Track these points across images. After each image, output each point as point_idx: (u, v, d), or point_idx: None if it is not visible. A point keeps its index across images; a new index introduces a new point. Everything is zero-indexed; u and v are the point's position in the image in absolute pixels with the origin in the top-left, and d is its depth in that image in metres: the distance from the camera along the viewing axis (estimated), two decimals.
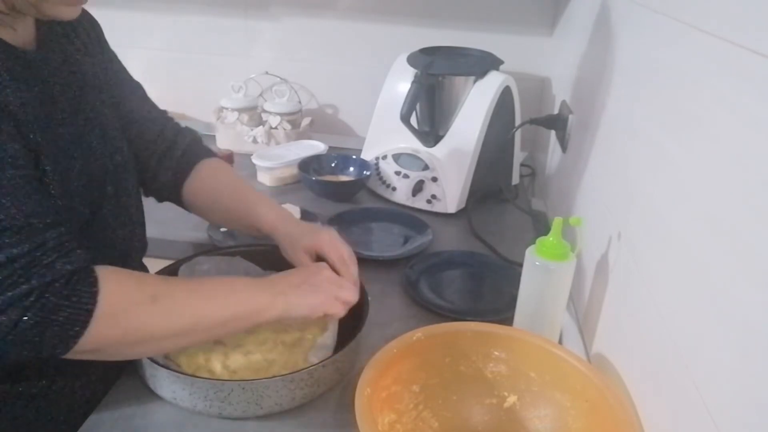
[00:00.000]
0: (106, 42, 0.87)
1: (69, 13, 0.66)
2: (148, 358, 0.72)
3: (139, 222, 0.88)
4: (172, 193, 0.94)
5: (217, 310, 0.69)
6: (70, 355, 0.61)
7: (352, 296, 0.77)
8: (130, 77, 0.91)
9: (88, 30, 0.82)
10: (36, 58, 0.69)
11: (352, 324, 0.80)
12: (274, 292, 0.73)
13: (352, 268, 0.84)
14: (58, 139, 0.69)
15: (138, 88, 0.92)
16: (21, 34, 0.68)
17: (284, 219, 0.90)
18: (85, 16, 0.84)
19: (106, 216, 0.78)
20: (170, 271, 0.88)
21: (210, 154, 0.97)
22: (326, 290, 0.75)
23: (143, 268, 0.93)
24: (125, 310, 0.63)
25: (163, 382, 0.72)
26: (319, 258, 0.85)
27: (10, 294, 0.56)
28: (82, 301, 0.59)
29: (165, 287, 0.67)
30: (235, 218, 0.93)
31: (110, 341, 0.63)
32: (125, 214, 0.83)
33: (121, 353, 0.66)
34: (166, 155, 0.92)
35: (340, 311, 0.76)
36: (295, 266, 0.85)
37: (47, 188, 0.66)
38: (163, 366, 0.71)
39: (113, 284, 0.63)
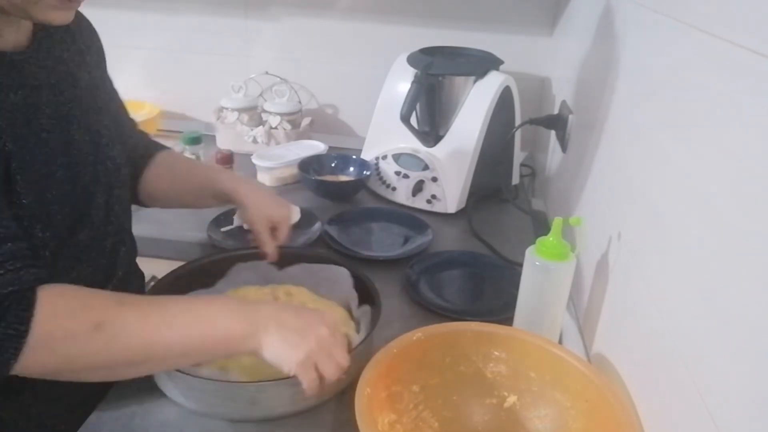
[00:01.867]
0: (102, 51, 0.87)
1: (60, 18, 0.64)
2: None
3: (127, 230, 0.87)
4: (132, 190, 0.93)
5: (175, 341, 0.62)
6: (16, 374, 0.58)
7: (332, 373, 0.65)
8: (114, 90, 0.91)
9: (85, 37, 0.81)
10: (22, 61, 0.67)
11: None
12: (252, 325, 0.64)
13: (277, 240, 0.91)
14: (39, 145, 0.67)
15: (118, 100, 0.92)
16: (12, 36, 0.66)
17: (245, 182, 0.93)
18: (84, 23, 0.83)
19: (95, 224, 0.76)
20: (178, 275, 0.88)
21: (163, 148, 0.99)
22: (307, 352, 0.64)
23: (138, 274, 0.93)
24: (63, 338, 0.58)
25: (167, 384, 0.72)
26: (272, 229, 0.91)
27: None
28: (11, 326, 0.55)
29: (115, 311, 0.60)
30: (196, 189, 0.94)
31: (49, 368, 0.59)
32: (116, 223, 0.81)
33: (71, 377, 0.62)
34: (129, 163, 0.91)
35: (309, 382, 0.65)
36: (252, 228, 0.91)
37: (17, 196, 0.63)
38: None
39: (52, 309, 0.58)
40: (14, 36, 0.67)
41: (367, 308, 0.84)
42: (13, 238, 0.59)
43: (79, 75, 0.77)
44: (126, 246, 0.85)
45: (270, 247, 0.91)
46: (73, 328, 0.58)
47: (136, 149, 0.94)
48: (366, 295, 0.86)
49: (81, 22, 0.82)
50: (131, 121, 0.96)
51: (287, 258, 0.93)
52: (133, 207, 0.91)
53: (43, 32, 0.72)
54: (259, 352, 0.64)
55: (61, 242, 0.70)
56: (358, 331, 0.81)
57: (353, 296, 0.88)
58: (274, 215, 0.91)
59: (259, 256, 0.92)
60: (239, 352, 0.65)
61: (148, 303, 0.64)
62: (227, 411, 0.71)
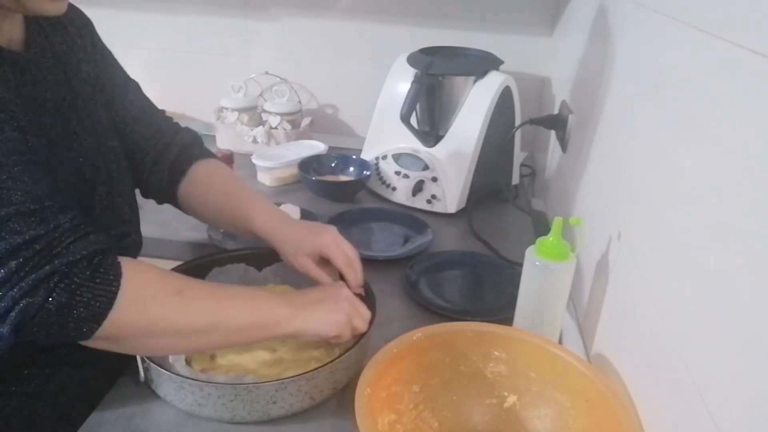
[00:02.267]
0: (99, 40, 0.85)
1: (53, 9, 0.64)
2: (155, 363, 0.70)
3: (132, 222, 0.87)
4: (167, 194, 0.92)
5: (238, 314, 0.68)
6: (91, 342, 0.60)
7: (363, 325, 0.76)
8: (126, 75, 0.89)
9: (79, 28, 0.81)
10: (22, 58, 0.68)
11: None
12: (293, 306, 0.71)
13: (358, 269, 0.83)
14: (44, 139, 0.68)
15: (133, 86, 0.90)
16: (6, 33, 0.67)
17: (280, 222, 0.86)
18: (77, 13, 0.82)
19: (98, 216, 0.77)
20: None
21: (207, 154, 0.94)
22: (345, 312, 0.73)
23: None
24: (150, 297, 0.63)
25: (166, 388, 0.72)
26: (323, 261, 0.83)
27: (33, 275, 0.56)
28: (106, 282, 0.59)
29: (187, 283, 0.67)
30: (229, 220, 0.89)
31: (133, 328, 0.62)
32: (118, 214, 0.81)
33: (140, 345, 0.66)
34: (161, 156, 0.89)
35: (349, 337, 0.75)
36: (298, 271, 0.83)
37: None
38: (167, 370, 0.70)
39: (137, 271, 0.62)
40: (10, 31, 0.67)
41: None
42: (73, 206, 0.62)
43: (77, 67, 0.77)
44: (131, 237, 0.86)
45: (325, 278, 0.83)
46: (158, 290, 0.64)
47: (170, 144, 0.90)
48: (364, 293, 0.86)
49: (74, 14, 0.81)
50: (153, 108, 0.92)
51: (265, 258, 0.92)
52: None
53: (36, 27, 0.72)
54: (304, 331, 0.71)
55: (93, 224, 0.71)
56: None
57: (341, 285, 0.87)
58: (309, 249, 0.83)
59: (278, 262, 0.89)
60: (283, 335, 0.71)
61: (210, 283, 0.76)
62: (246, 413, 0.70)
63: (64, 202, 0.61)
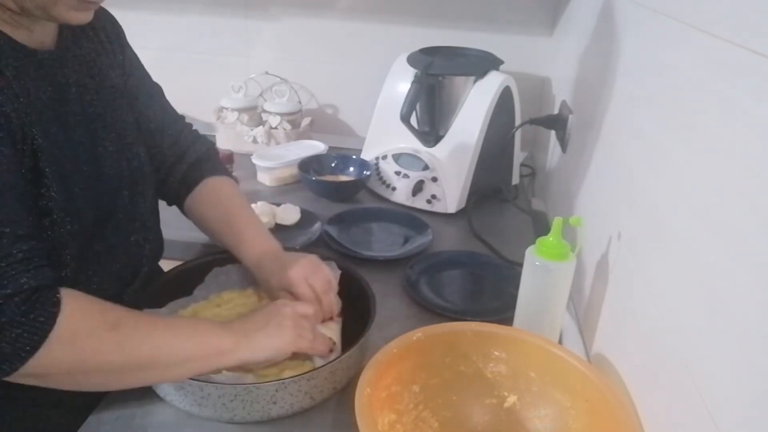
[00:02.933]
0: (127, 44, 0.87)
1: (79, 18, 0.66)
2: None
3: (153, 226, 0.88)
4: (176, 202, 0.94)
5: (178, 348, 0.66)
6: (16, 379, 0.58)
7: (312, 334, 0.74)
8: (151, 80, 0.91)
9: (108, 31, 0.82)
10: (50, 59, 0.69)
11: (359, 322, 0.80)
12: (237, 336, 0.70)
13: (327, 302, 0.80)
14: (67, 142, 0.69)
15: (157, 91, 0.92)
16: (39, 34, 0.68)
17: (261, 257, 0.84)
18: (107, 16, 0.84)
19: (120, 220, 0.78)
20: (179, 272, 0.88)
21: (217, 170, 0.94)
22: (290, 330, 0.72)
23: (158, 271, 0.93)
24: (85, 334, 0.60)
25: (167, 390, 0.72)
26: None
27: None
28: (38, 320, 0.56)
29: (127, 316, 0.65)
30: (223, 244, 0.90)
31: (62, 366, 0.60)
32: (140, 218, 0.82)
33: (70, 381, 0.63)
34: (175, 166, 0.91)
35: (310, 346, 0.74)
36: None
37: (47, 189, 0.65)
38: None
39: (75, 307, 0.60)
40: (41, 35, 0.69)
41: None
42: (36, 236, 0.61)
43: (105, 73, 0.78)
44: (150, 244, 0.86)
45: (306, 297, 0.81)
46: (93, 326, 0.61)
47: (184, 154, 0.92)
48: (361, 292, 0.86)
49: (105, 20, 0.83)
50: (175, 115, 0.93)
51: None
52: None
53: (68, 32, 0.73)
54: (252, 359, 0.70)
55: (89, 237, 0.71)
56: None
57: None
58: (281, 285, 0.81)
59: None
60: (230, 364, 0.70)
61: (154, 316, 0.72)
62: (246, 413, 0.70)
63: (27, 231, 0.59)
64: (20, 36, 0.66)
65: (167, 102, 0.93)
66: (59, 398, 0.75)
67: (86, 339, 0.60)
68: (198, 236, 1.14)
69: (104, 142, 0.76)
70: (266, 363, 0.73)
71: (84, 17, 0.66)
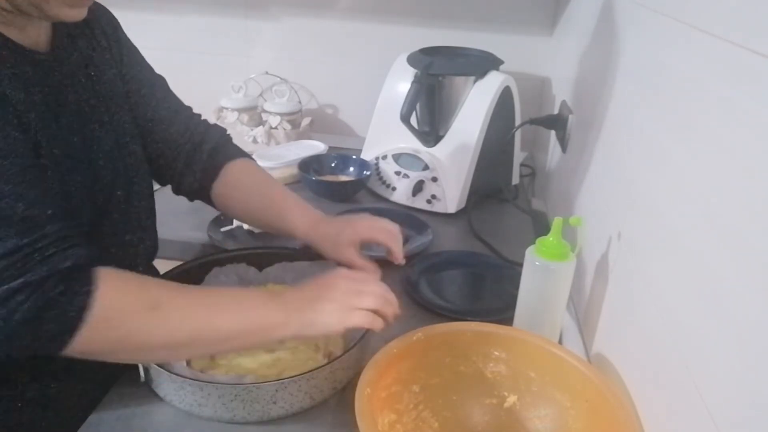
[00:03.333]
0: (126, 39, 0.86)
1: (72, 15, 0.65)
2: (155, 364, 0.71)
3: (149, 226, 0.87)
4: (200, 194, 0.93)
5: (222, 325, 0.65)
6: (68, 354, 0.59)
7: (376, 304, 0.70)
8: (152, 72, 0.90)
9: (105, 29, 0.81)
10: (46, 59, 0.69)
11: None
12: (288, 310, 0.68)
13: (401, 242, 0.85)
14: (63, 142, 0.69)
15: (160, 83, 0.90)
16: (31, 34, 0.67)
17: (316, 222, 0.87)
18: (104, 13, 0.83)
19: (115, 219, 0.77)
20: (177, 273, 0.88)
21: (239, 153, 0.94)
22: (340, 304, 0.69)
23: (153, 271, 0.93)
24: (122, 314, 0.61)
25: (165, 387, 0.72)
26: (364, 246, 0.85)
27: (5, 287, 0.55)
28: (75, 300, 0.57)
29: (168, 294, 0.64)
30: (267, 224, 0.91)
31: (104, 345, 0.61)
32: (135, 218, 0.82)
33: (118, 357, 0.65)
34: (193, 156, 0.90)
35: (368, 322, 0.69)
36: (344, 264, 0.83)
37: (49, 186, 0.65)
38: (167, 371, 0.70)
39: (112, 286, 0.60)
40: (36, 34, 0.68)
41: None
42: (62, 219, 0.60)
43: (101, 70, 0.78)
44: (145, 243, 0.86)
45: (370, 267, 0.85)
46: (132, 306, 0.61)
47: (202, 142, 0.90)
48: None
49: (101, 16, 0.82)
50: (180, 105, 0.93)
51: (265, 258, 0.93)
52: None
53: (62, 30, 0.73)
54: (303, 334, 0.68)
55: (87, 234, 0.70)
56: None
57: None
58: (347, 240, 0.84)
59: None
60: (277, 338, 0.69)
61: (198, 290, 0.70)
62: (246, 413, 0.70)
63: (56, 211, 0.60)
64: (14, 36, 0.65)
65: (172, 93, 0.92)
66: (59, 399, 0.75)
67: (125, 319, 0.61)
68: (198, 236, 1.15)
69: (100, 142, 0.75)
70: (325, 336, 0.72)
71: (77, 14, 0.65)
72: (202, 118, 0.95)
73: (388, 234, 0.84)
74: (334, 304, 0.69)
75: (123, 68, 0.83)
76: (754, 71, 0.47)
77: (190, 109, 0.94)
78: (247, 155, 0.96)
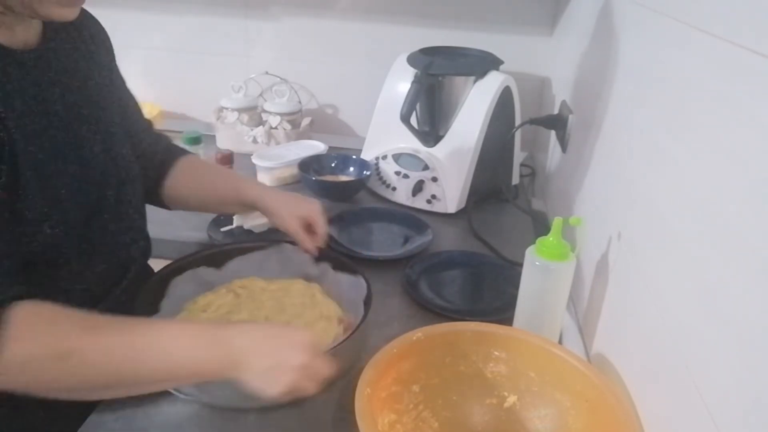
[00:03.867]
0: (112, 50, 0.87)
1: (64, 14, 0.65)
2: None
3: (141, 228, 0.88)
4: (154, 194, 0.95)
5: (146, 374, 0.61)
6: None
7: (316, 390, 0.64)
8: (127, 89, 0.92)
9: (94, 35, 0.82)
10: (32, 60, 0.68)
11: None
12: (229, 357, 0.61)
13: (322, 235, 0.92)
14: (51, 144, 0.68)
15: (133, 100, 0.93)
16: (20, 35, 0.67)
17: (268, 188, 0.95)
18: (92, 21, 0.84)
19: (107, 221, 0.77)
20: (172, 271, 0.88)
21: (184, 152, 1.00)
22: (292, 384, 0.62)
23: (148, 271, 0.93)
24: (32, 360, 0.58)
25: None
26: (306, 226, 0.91)
27: None
28: None
29: (79, 342, 0.59)
30: (219, 197, 0.95)
31: (15, 386, 0.59)
32: (127, 219, 0.82)
33: (43, 395, 0.61)
34: (146, 165, 0.92)
35: (310, 389, 0.64)
36: (287, 231, 0.91)
37: (24, 194, 0.63)
38: None
39: (23, 331, 0.58)
40: (24, 35, 0.68)
41: (326, 265, 0.91)
42: (9, 255, 0.60)
43: (89, 73, 0.78)
44: (138, 244, 0.86)
45: (309, 244, 0.92)
46: (41, 353, 0.58)
47: (155, 152, 0.95)
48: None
49: (89, 21, 0.83)
50: (146, 121, 0.96)
51: (223, 255, 0.94)
52: None
53: (51, 32, 0.73)
54: (237, 380, 0.62)
55: (76, 239, 0.71)
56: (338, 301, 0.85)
57: (309, 262, 0.93)
58: (303, 213, 0.92)
59: (307, 251, 0.94)
60: (215, 380, 0.63)
61: (120, 331, 0.61)
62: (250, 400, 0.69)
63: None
64: (2, 36, 0.65)
65: (140, 109, 0.96)
66: (59, 401, 0.75)
67: (35, 365, 0.58)
68: (198, 236, 1.15)
69: (90, 142, 0.75)
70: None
71: (69, 13, 0.65)
72: (153, 129, 0.98)
73: (322, 230, 0.92)
74: (283, 384, 0.62)
75: (111, 75, 0.85)
76: (754, 71, 0.47)
77: (149, 122, 0.98)
78: (193, 153, 1.02)
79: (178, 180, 0.96)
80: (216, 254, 0.93)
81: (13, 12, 0.63)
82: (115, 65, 0.88)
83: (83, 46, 0.79)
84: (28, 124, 0.65)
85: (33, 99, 0.67)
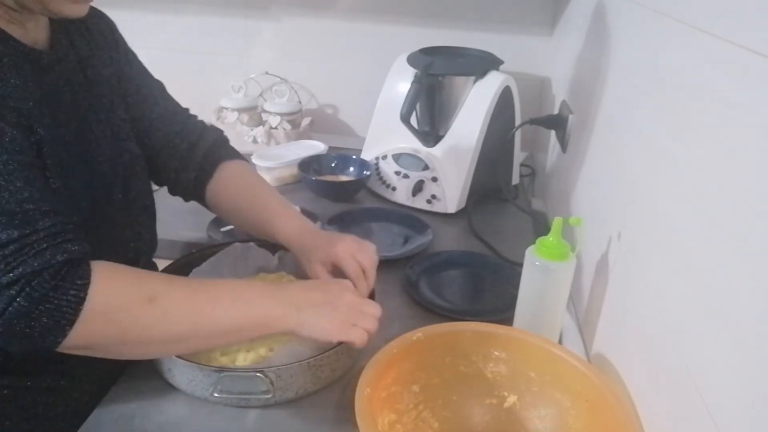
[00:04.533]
0: (123, 42, 0.87)
1: (75, 11, 0.66)
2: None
3: (148, 223, 0.88)
4: (194, 194, 0.93)
5: (221, 319, 0.66)
6: (64, 350, 0.59)
7: (372, 326, 0.71)
8: (150, 76, 0.91)
9: (103, 30, 0.83)
10: (46, 57, 0.70)
11: None
12: (289, 306, 0.68)
13: (371, 280, 0.81)
14: (62, 140, 0.69)
15: (158, 86, 0.92)
16: (32, 32, 0.69)
17: (300, 231, 0.86)
18: (101, 17, 0.84)
19: (113, 216, 0.78)
20: (171, 271, 0.88)
21: (234, 155, 0.95)
22: (345, 316, 0.70)
23: (152, 268, 0.93)
24: (118, 308, 0.60)
25: (180, 371, 0.73)
26: (337, 270, 0.82)
27: None
28: (70, 294, 0.57)
29: (165, 287, 0.64)
30: (254, 226, 0.90)
31: (101, 339, 0.61)
32: (134, 214, 0.83)
33: (117, 352, 0.64)
34: (188, 155, 0.90)
35: (358, 339, 0.70)
36: (312, 279, 0.83)
37: (48, 180, 0.66)
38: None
39: (107, 279, 0.60)
40: (34, 32, 0.69)
41: (281, 251, 0.90)
42: (57, 214, 0.61)
43: (99, 70, 0.79)
44: (143, 239, 0.86)
45: None
46: (128, 299, 0.61)
47: (195, 145, 0.91)
48: None
49: (100, 19, 0.83)
50: (181, 109, 0.93)
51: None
52: None
53: (61, 30, 0.74)
54: (297, 331, 0.69)
55: (85, 231, 0.71)
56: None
57: (265, 255, 0.92)
58: (331, 258, 0.82)
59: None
60: (276, 332, 0.69)
61: (196, 282, 0.70)
62: (253, 398, 0.72)
63: (51, 207, 0.60)
64: (15, 33, 0.66)
65: (169, 96, 0.93)
66: (70, 387, 0.76)
67: (121, 312, 0.61)
68: (198, 236, 1.15)
69: (98, 139, 0.76)
70: (314, 340, 0.72)
71: (79, 10, 0.66)
72: (200, 119, 0.96)
73: (357, 271, 0.81)
74: (337, 315, 0.70)
75: (121, 69, 0.84)
76: (754, 71, 0.47)
77: (187, 110, 0.95)
78: (243, 157, 0.96)
79: (218, 191, 0.91)
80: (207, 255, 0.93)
81: (25, 8, 0.64)
82: (130, 57, 0.87)
83: (93, 43, 0.79)
84: (43, 117, 0.66)
85: (44, 95, 0.68)
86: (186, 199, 0.96)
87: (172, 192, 0.95)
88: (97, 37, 0.81)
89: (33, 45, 0.68)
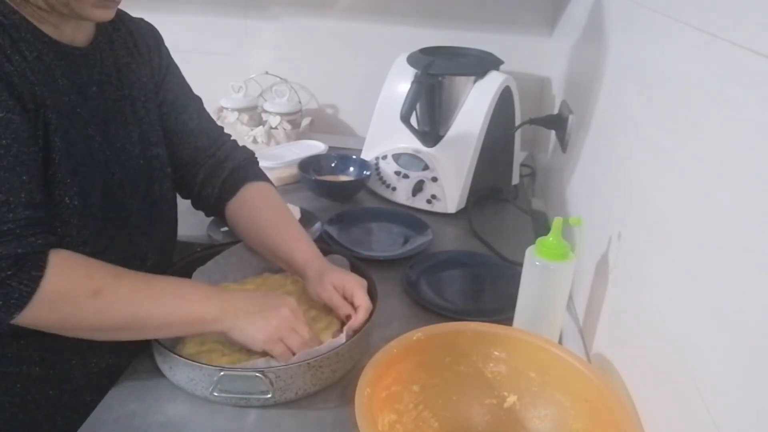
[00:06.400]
0: (167, 55, 0.90)
1: (100, 15, 0.69)
2: (162, 346, 0.74)
3: (169, 223, 0.90)
4: (215, 210, 0.94)
5: (159, 314, 0.71)
6: (15, 324, 0.64)
7: (297, 346, 0.74)
8: (189, 90, 0.94)
9: (149, 42, 0.86)
10: (76, 54, 0.72)
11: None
12: (226, 310, 0.73)
13: (362, 317, 0.81)
14: (81, 135, 0.71)
15: (196, 101, 0.94)
16: (66, 32, 0.71)
17: (315, 259, 0.87)
18: (151, 30, 0.88)
19: (135, 214, 0.80)
20: (177, 270, 0.88)
21: (260, 176, 0.96)
22: (274, 329, 0.74)
23: (166, 260, 0.93)
24: (65, 299, 0.66)
25: (180, 370, 0.74)
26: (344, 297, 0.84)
27: None
28: (23, 283, 0.63)
29: (111, 282, 0.69)
30: (270, 248, 0.90)
31: (47, 322, 0.67)
32: (156, 216, 0.84)
33: (62, 333, 0.69)
34: (214, 171, 0.92)
35: (280, 355, 0.74)
36: (323, 300, 0.84)
37: (49, 168, 0.68)
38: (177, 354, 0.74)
39: (60, 273, 0.65)
40: (71, 34, 0.72)
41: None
42: (32, 206, 0.64)
43: (136, 77, 0.81)
44: (165, 238, 0.88)
45: (347, 309, 0.83)
46: (75, 293, 0.66)
47: (220, 163, 0.92)
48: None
49: (148, 31, 0.87)
50: (215, 127, 0.96)
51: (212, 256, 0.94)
52: None
53: (103, 34, 0.77)
54: (228, 335, 0.74)
55: (96, 232, 0.74)
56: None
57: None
58: (340, 279, 0.84)
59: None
60: (209, 331, 0.75)
61: (142, 279, 0.73)
62: (253, 398, 0.73)
63: (30, 198, 0.64)
64: (49, 31, 0.69)
65: (206, 112, 0.96)
66: (59, 395, 0.76)
67: (67, 304, 0.66)
68: (198, 236, 1.15)
69: (122, 139, 0.78)
70: (243, 345, 0.75)
71: (105, 14, 0.70)
72: (233, 139, 0.98)
73: (365, 304, 0.82)
74: (267, 327, 0.74)
75: (160, 79, 0.87)
76: (754, 71, 0.47)
77: (221, 129, 0.97)
78: (269, 180, 0.97)
79: (238, 212, 0.92)
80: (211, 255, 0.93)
81: (55, 10, 0.67)
82: (172, 69, 0.90)
83: (135, 52, 0.82)
84: (63, 109, 0.69)
85: (69, 89, 0.70)
86: (207, 215, 0.98)
87: (195, 205, 0.97)
88: (141, 47, 0.84)
89: (69, 43, 0.71)
